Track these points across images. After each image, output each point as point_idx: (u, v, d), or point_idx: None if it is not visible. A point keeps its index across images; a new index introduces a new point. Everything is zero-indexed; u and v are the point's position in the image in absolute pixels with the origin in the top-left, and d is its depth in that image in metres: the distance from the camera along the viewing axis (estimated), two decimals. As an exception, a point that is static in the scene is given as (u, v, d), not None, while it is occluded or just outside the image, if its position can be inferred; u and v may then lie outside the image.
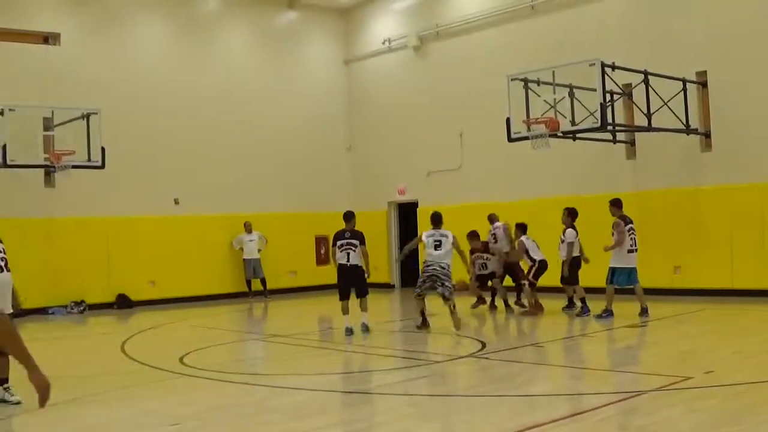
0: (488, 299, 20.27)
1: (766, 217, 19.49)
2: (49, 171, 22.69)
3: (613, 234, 17.61)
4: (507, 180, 24.55)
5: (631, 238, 17.59)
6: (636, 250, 17.70)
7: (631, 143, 22.11)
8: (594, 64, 17.75)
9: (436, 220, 17.43)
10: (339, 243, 16.73)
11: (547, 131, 18.45)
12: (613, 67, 18.36)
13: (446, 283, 16.36)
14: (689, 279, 20.76)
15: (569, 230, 18.18)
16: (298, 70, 29.31)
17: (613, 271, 17.46)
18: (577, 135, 19.27)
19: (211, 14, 27.74)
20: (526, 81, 18.97)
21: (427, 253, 16.81)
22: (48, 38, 24.34)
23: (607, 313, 17.26)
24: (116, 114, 23.40)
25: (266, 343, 17.01)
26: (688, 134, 20.45)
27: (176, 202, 25.84)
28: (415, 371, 12.48)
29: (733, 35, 20.28)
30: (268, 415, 9.52)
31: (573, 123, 18.71)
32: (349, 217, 17.20)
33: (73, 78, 23.86)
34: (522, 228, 19.51)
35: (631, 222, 17.75)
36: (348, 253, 16.58)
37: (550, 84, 18.72)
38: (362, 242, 16.81)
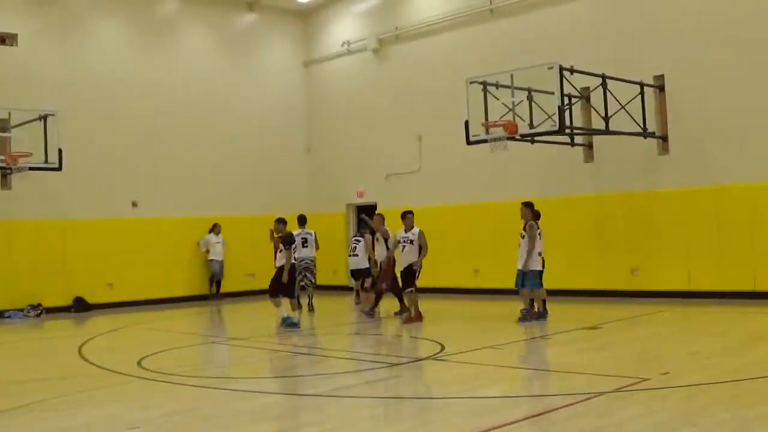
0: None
1: (723, 220, 19.69)
2: (5, 173, 22.47)
3: (522, 236, 17.68)
4: (465, 183, 24.62)
5: (541, 241, 17.70)
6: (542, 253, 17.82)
7: (589, 146, 22.26)
8: (552, 67, 17.84)
9: (302, 220, 21.76)
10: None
11: (506, 134, 18.50)
12: (572, 71, 18.45)
13: (314, 277, 21.39)
14: (647, 281, 20.92)
15: (529, 225, 18.06)
16: (257, 72, 29.26)
17: (522, 274, 17.55)
18: (536, 138, 19.35)
19: (171, 16, 27.61)
20: (484, 84, 19.04)
21: (297, 251, 19.91)
22: (5, 39, 24.11)
23: (527, 312, 17.52)
24: (74, 115, 23.28)
25: (225, 346, 16.94)
26: (645, 138, 20.61)
27: (134, 204, 25.69)
28: (374, 374, 12.48)
29: (690, 40, 20.49)
30: (228, 419, 9.48)
31: (531, 126, 18.80)
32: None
33: (31, 79, 23.68)
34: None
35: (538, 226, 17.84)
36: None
37: (509, 87, 18.80)
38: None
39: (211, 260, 26.55)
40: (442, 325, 17.94)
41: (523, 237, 17.92)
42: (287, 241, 17.93)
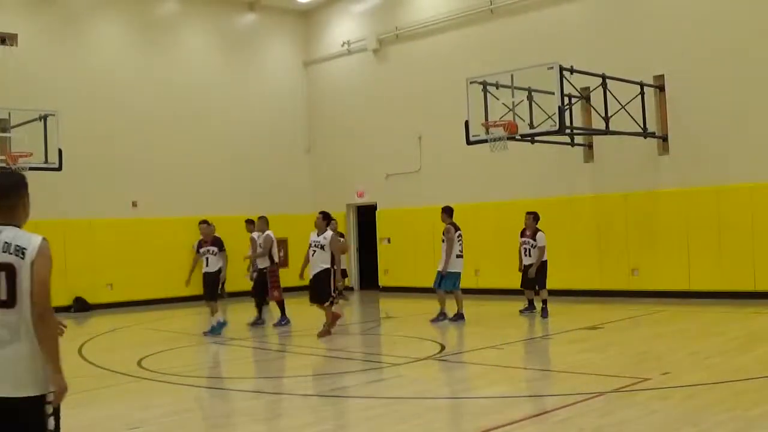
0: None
1: (722, 220, 19.69)
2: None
3: (443, 240, 18.03)
4: (465, 183, 24.59)
5: (460, 244, 18.06)
6: (463, 256, 18.15)
7: (589, 146, 22.26)
8: (552, 67, 17.84)
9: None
10: None
11: (506, 134, 18.51)
12: (572, 71, 18.45)
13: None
14: (647, 281, 20.91)
15: (541, 234, 18.20)
16: (257, 72, 29.26)
17: (441, 276, 17.96)
18: (536, 138, 19.36)
19: (171, 16, 27.61)
20: (485, 84, 19.04)
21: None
22: (5, 39, 24.10)
23: (443, 316, 17.95)
24: (74, 115, 23.24)
25: (225, 346, 16.93)
26: (645, 137, 20.61)
27: (134, 204, 25.69)
28: (374, 374, 12.49)
29: (690, 40, 20.47)
30: (228, 419, 9.49)
31: (531, 126, 18.80)
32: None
33: (31, 79, 23.65)
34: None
35: (459, 229, 18.17)
36: None
37: (509, 87, 18.80)
38: None
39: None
40: (443, 325, 17.92)
41: (533, 246, 18.09)
42: (220, 244, 17.83)
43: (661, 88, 21.05)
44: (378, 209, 27.49)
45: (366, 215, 28.27)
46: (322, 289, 16.24)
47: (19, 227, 5.51)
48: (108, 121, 25.23)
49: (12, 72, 23.47)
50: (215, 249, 17.75)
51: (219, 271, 17.80)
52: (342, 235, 23.29)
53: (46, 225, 23.52)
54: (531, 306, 18.69)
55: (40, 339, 5.29)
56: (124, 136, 25.56)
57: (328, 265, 16.17)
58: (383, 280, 27.02)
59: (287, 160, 29.50)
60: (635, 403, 9.20)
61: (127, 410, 10.11)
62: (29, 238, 5.52)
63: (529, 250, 18.29)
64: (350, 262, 28.29)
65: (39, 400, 5.22)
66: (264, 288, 19.01)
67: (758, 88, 19.41)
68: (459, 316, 17.97)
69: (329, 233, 16.45)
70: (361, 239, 28.65)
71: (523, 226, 18.51)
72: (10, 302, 5.33)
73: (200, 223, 18.36)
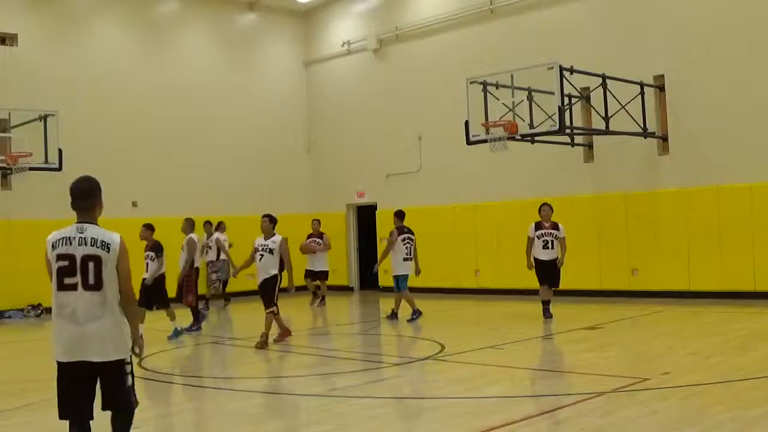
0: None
1: (723, 220, 19.69)
2: (5, 173, 22.46)
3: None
4: (465, 183, 24.59)
5: (406, 247, 18.46)
6: (411, 258, 18.56)
7: (589, 146, 22.25)
8: (552, 67, 17.84)
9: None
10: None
11: (506, 134, 18.51)
12: (572, 71, 18.45)
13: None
14: (647, 281, 20.91)
15: (561, 225, 17.97)
16: (257, 72, 29.25)
17: (397, 279, 18.52)
18: (536, 138, 19.36)
19: (171, 15, 27.61)
20: (485, 84, 19.04)
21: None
22: (5, 39, 24.11)
23: (417, 314, 18.38)
24: (74, 115, 23.24)
25: (225, 346, 16.93)
26: (645, 138, 20.61)
27: (134, 204, 25.67)
28: (374, 374, 12.47)
29: (690, 40, 20.48)
30: (227, 419, 9.48)
31: (531, 126, 18.81)
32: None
33: (31, 79, 23.64)
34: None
35: (409, 233, 18.59)
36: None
37: (509, 87, 18.79)
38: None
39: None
40: (442, 325, 17.91)
41: (556, 237, 17.99)
42: (159, 249, 17.61)
43: (661, 88, 21.05)
44: (378, 209, 27.47)
45: (366, 215, 28.25)
46: (265, 295, 15.66)
47: (97, 225, 7.14)
48: (108, 121, 25.21)
49: (12, 72, 23.47)
50: (153, 254, 17.51)
51: (159, 276, 17.57)
52: (322, 236, 23.36)
53: (47, 225, 23.59)
54: (548, 307, 17.85)
55: (129, 315, 7.19)
56: (124, 136, 25.54)
57: (276, 271, 15.60)
58: (383, 280, 26.94)
59: (287, 160, 29.49)
60: (635, 403, 9.20)
61: (127, 410, 10.09)
62: (110, 236, 7.17)
63: (551, 242, 17.70)
64: (350, 262, 28.33)
65: (122, 363, 7.00)
66: (181, 292, 19.12)
67: (758, 88, 19.41)
68: (393, 315, 18.62)
69: (278, 237, 15.75)
70: (361, 239, 28.64)
71: (535, 220, 17.98)
72: (97, 286, 6.97)
73: (142, 225, 17.99)
